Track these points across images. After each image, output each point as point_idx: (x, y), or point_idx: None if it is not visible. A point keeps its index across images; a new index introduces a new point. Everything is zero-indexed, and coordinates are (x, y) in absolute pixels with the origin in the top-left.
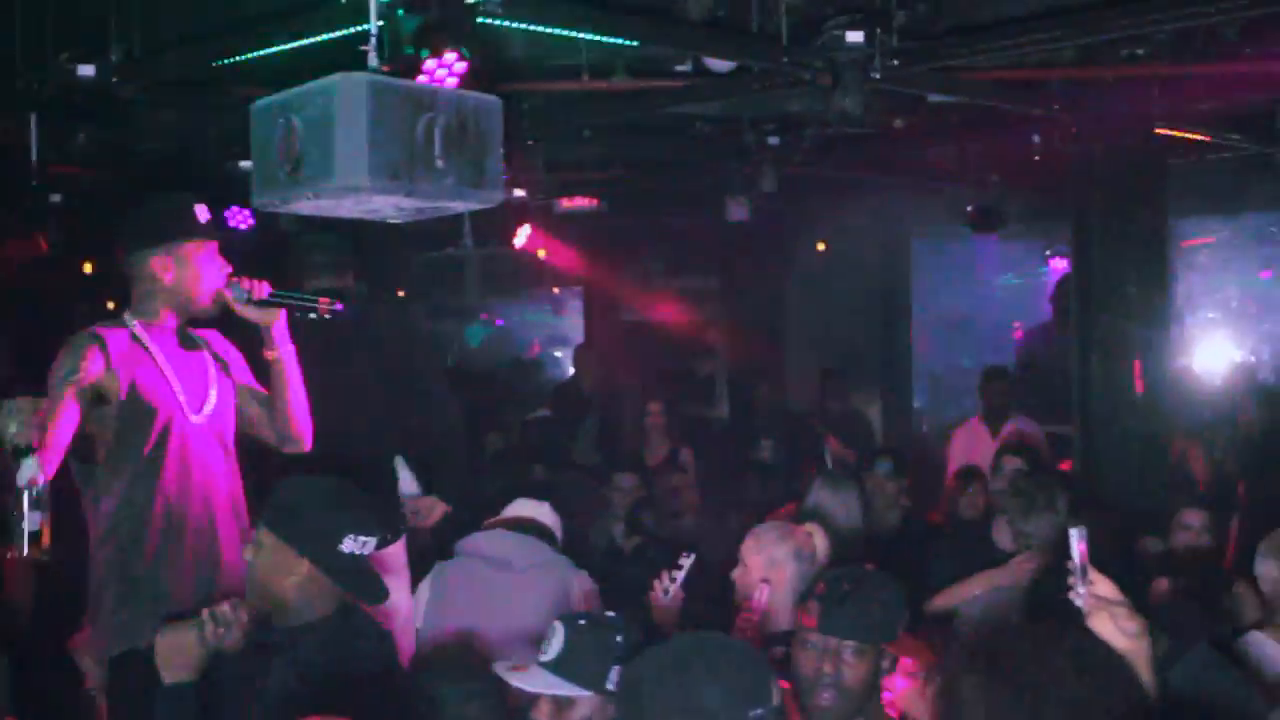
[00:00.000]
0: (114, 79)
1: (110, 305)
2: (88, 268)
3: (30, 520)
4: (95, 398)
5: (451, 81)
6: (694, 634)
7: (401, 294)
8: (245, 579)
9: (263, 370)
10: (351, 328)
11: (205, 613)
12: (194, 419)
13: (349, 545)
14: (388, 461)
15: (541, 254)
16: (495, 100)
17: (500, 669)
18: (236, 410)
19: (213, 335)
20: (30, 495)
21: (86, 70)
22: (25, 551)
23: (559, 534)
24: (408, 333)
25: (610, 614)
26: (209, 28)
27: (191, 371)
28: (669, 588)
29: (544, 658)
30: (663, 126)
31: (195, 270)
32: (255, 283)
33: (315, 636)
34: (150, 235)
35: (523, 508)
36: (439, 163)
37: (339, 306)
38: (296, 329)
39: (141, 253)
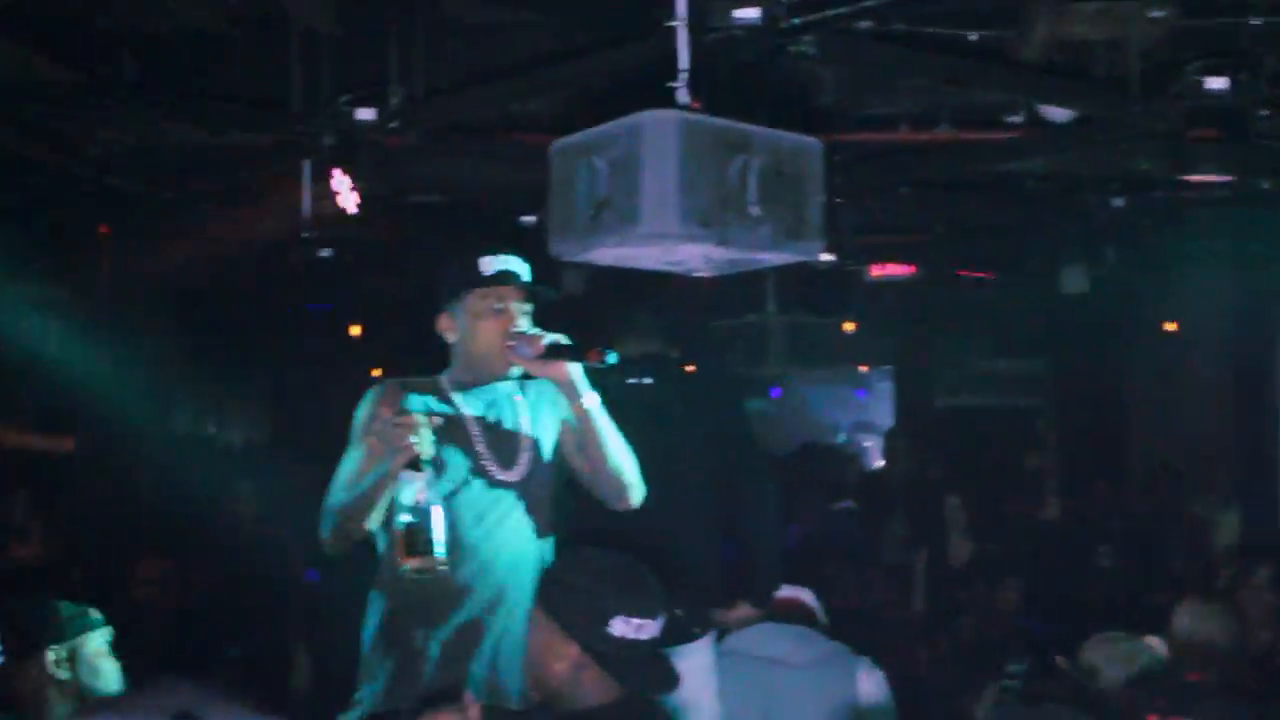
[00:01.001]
0: (393, 124)
1: (376, 373)
2: (355, 330)
3: (439, 531)
4: None
5: None
6: None
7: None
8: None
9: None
10: (673, 397)
11: (467, 696)
12: (501, 476)
13: (619, 628)
14: (705, 547)
15: (849, 326)
16: (815, 143)
17: None
18: (570, 464)
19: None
20: (432, 508)
21: (366, 114)
22: (437, 567)
23: (821, 617)
24: (733, 409)
25: None
26: (494, 69)
27: (502, 430)
28: (1002, 697)
29: None
30: (990, 185)
31: (472, 326)
32: (536, 334)
33: None
34: (439, 292)
35: (782, 592)
36: (754, 210)
37: (610, 358)
38: (611, 396)
39: (439, 311)
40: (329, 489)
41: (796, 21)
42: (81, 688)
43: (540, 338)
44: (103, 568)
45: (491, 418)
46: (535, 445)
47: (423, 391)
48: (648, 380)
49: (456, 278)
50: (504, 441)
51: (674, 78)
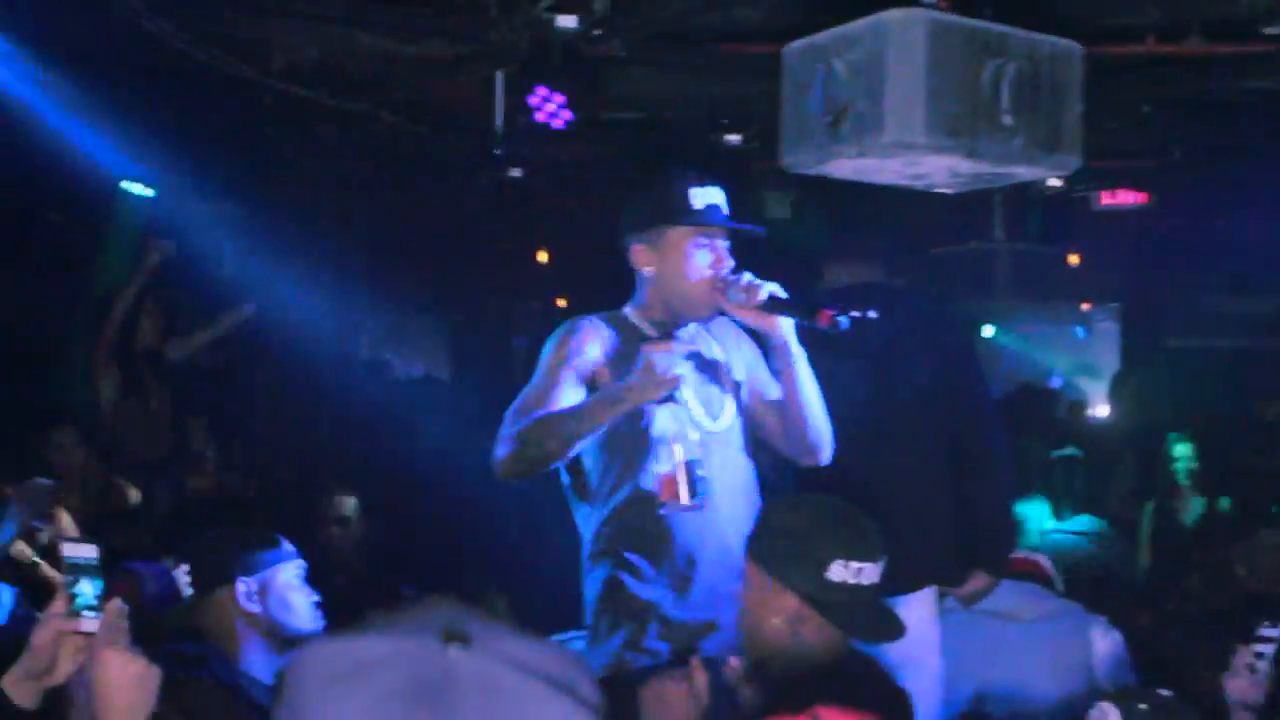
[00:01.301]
0: (596, 32)
1: (561, 303)
2: (542, 257)
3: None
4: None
5: None
6: None
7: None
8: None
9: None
10: (898, 333)
11: (695, 662)
12: (710, 426)
13: (838, 573)
14: (932, 500)
15: (1073, 259)
16: (1075, 47)
17: None
18: (752, 415)
19: (728, 327)
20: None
21: (567, 21)
22: (704, 506)
23: (1058, 581)
24: (964, 348)
25: (1164, 692)
26: None
27: (706, 376)
28: (1255, 664)
29: None
30: (1240, 104)
31: (677, 262)
32: (755, 284)
33: (809, 686)
34: (632, 219)
35: (1016, 553)
36: (1006, 119)
37: (843, 324)
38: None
39: (627, 239)
40: (509, 413)
41: None
42: (271, 622)
43: (759, 288)
44: (280, 499)
45: (695, 362)
46: (737, 391)
47: (618, 328)
48: (871, 314)
49: (659, 208)
50: (709, 388)
51: None
